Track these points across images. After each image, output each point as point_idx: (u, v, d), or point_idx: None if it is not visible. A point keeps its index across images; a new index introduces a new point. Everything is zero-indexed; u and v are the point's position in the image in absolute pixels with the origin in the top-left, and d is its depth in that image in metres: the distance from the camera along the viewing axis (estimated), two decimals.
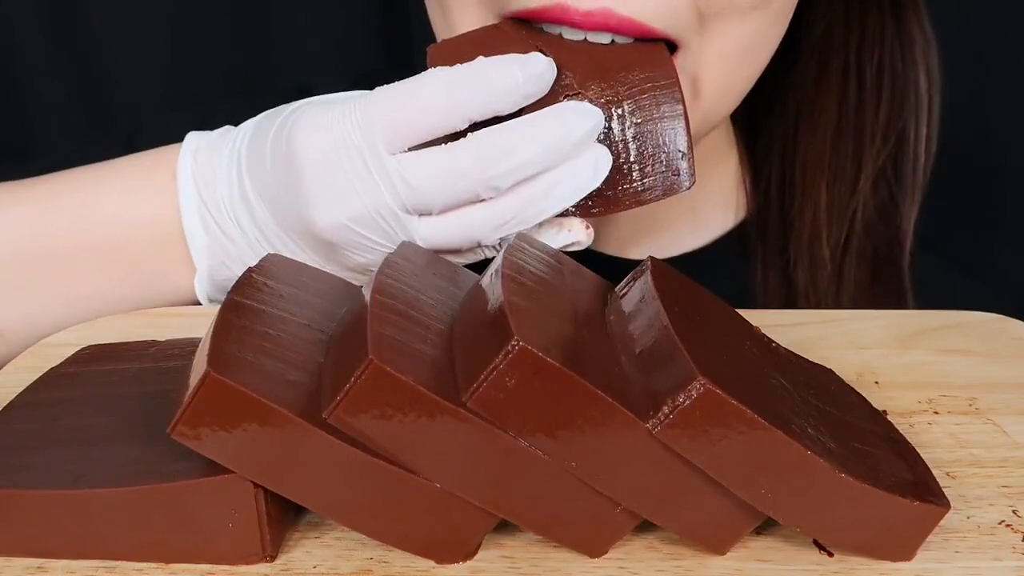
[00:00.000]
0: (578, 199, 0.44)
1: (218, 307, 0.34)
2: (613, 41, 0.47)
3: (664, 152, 0.45)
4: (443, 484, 0.31)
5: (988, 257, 0.88)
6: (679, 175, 0.45)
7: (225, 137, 0.48)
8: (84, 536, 0.32)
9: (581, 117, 0.43)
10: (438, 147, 0.42)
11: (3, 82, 0.85)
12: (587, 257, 0.45)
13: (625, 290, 0.36)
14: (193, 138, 0.49)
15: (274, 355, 0.32)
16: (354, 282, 0.41)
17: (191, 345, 0.39)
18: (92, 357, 0.42)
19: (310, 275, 0.39)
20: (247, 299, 0.34)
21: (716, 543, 0.33)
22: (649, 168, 0.45)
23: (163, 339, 0.43)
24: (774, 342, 0.38)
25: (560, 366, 0.29)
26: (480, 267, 0.38)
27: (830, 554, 0.33)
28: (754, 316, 0.40)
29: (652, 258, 0.36)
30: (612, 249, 0.60)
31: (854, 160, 0.60)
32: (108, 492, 0.32)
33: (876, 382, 0.43)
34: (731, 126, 0.63)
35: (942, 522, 0.32)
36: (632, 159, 0.45)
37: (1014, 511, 0.35)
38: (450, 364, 0.31)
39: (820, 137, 0.60)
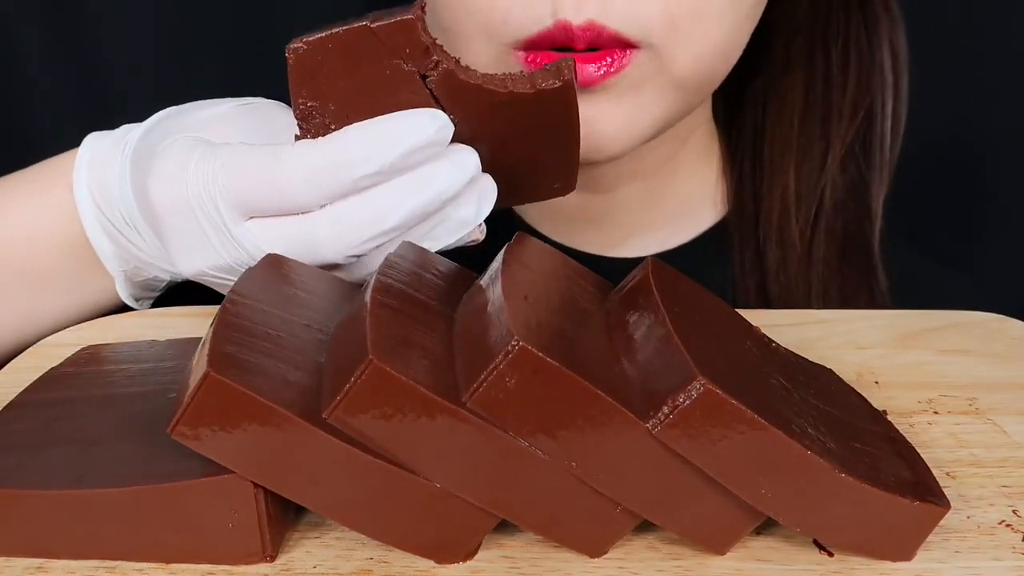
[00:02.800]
0: (462, 235, 0.42)
1: (217, 307, 0.34)
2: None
3: (554, 165, 0.45)
4: (443, 484, 0.31)
5: (984, 257, 0.88)
6: (567, 182, 0.46)
7: (118, 146, 0.46)
8: (84, 536, 0.32)
9: (457, 171, 0.40)
10: (292, 218, 0.41)
11: (3, 81, 0.85)
12: (572, 257, 0.44)
13: (625, 290, 0.36)
14: (89, 145, 0.48)
15: (274, 355, 0.32)
16: None
17: (191, 345, 0.39)
18: (91, 357, 0.42)
19: (310, 275, 0.39)
20: (247, 299, 0.34)
21: (716, 543, 0.33)
22: (540, 176, 0.45)
23: (163, 339, 0.43)
24: (774, 342, 0.38)
25: (560, 366, 0.29)
26: (480, 266, 0.38)
27: (830, 554, 0.33)
28: (754, 316, 0.40)
29: (652, 258, 0.36)
30: (596, 248, 0.60)
31: (822, 139, 0.60)
32: (108, 492, 0.32)
33: (876, 382, 0.43)
34: (714, 124, 0.63)
35: (942, 522, 0.32)
36: (523, 172, 0.44)
37: (1014, 511, 0.35)
38: (450, 364, 0.31)
39: (788, 117, 0.60)
